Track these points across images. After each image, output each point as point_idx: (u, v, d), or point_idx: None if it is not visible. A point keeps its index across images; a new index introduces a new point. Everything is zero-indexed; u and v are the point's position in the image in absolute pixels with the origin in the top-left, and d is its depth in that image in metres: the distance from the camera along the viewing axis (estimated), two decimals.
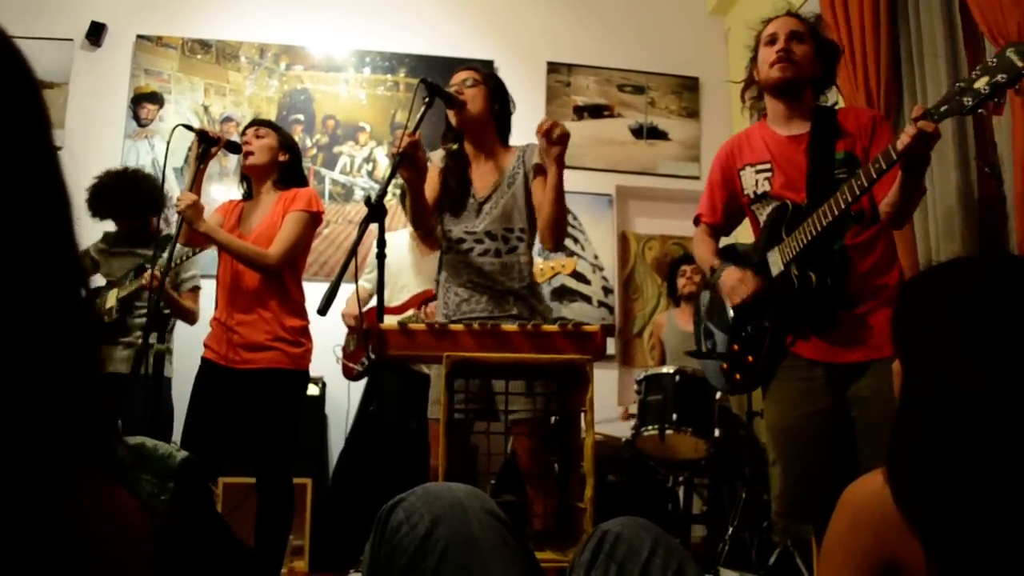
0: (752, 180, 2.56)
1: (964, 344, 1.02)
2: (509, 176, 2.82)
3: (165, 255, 3.71)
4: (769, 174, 2.51)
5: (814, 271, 2.31)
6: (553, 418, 2.55)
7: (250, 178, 3.28)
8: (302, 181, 3.30)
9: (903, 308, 1.15)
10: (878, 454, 2.10)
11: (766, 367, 2.46)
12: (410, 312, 3.94)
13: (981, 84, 1.90)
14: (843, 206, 2.20)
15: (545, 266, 4.08)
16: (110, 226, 4.06)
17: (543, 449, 2.64)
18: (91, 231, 4.11)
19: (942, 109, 1.98)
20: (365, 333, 4.04)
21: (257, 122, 3.30)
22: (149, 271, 3.59)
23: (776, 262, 2.42)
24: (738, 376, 2.56)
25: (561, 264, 4.29)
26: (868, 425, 2.29)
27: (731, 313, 2.61)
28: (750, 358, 2.49)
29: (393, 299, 3.97)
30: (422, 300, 3.94)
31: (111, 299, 3.77)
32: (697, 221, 2.80)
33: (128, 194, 3.86)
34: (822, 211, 2.25)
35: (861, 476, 1.09)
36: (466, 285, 2.78)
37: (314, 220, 3.16)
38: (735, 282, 2.51)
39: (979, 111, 1.95)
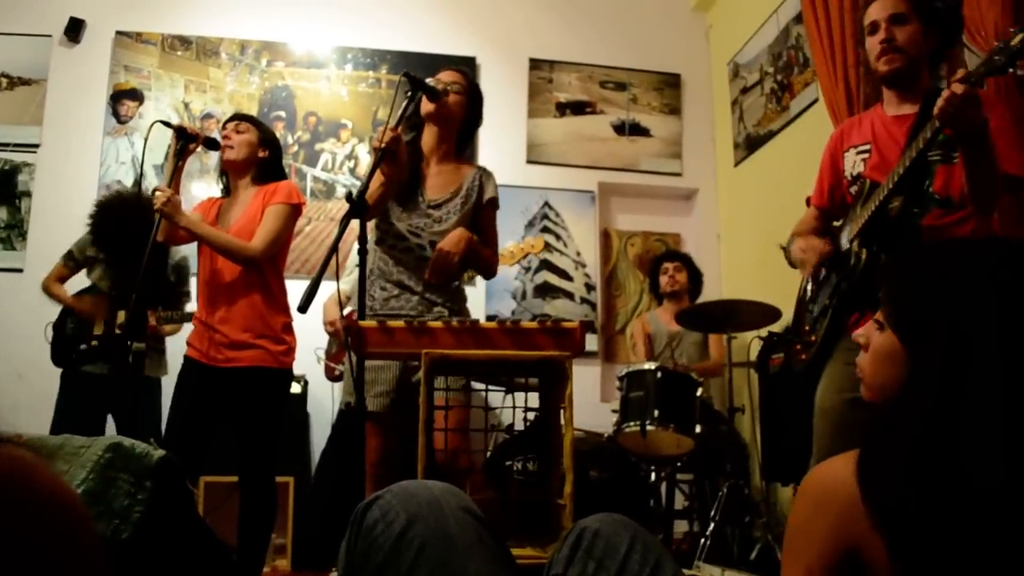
0: (852, 162, 2.46)
1: (973, 330, 0.98)
2: (464, 193, 2.88)
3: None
4: (867, 155, 2.42)
5: (876, 247, 2.21)
6: (531, 414, 2.55)
7: (228, 174, 3.24)
8: (282, 177, 3.26)
9: (916, 281, 1.09)
10: None
11: (824, 346, 2.38)
12: None
13: (1016, 41, 1.85)
14: (896, 179, 2.13)
15: (515, 248, 4.08)
16: None
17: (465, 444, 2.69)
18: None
19: (980, 70, 1.93)
20: (345, 333, 4.03)
21: (238, 116, 3.25)
22: (152, 317, 3.64)
23: (845, 238, 2.35)
24: (804, 356, 2.49)
25: (530, 244, 4.28)
26: None
27: (808, 287, 2.54)
28: (813, 337, 2.42)
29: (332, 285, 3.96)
30: None
31: (121, 318, 3.77)
32: (808, 203, 2.71)
33: (124, 228, 3.85)
34: (884, 184, 2.19)
35: (821, 462, 1.08)
36: (398, 283, 2.79)
37: (295, 212, 3.12)
38: (804, 247, 2.46)
39: (1012, 68, 1.88)
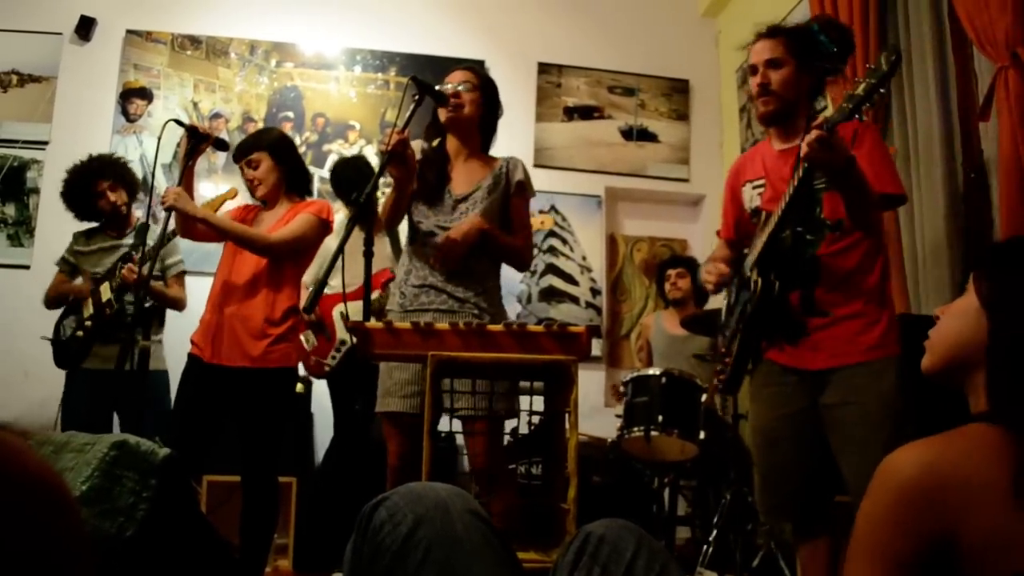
0: (749, 196, 2.62)
1: None
2: (491, 183, 2.83)
3: (151, 243, 3.72)
4: (762, 189, 2.57)
5: (768, 275, 2.35)
6: (536, 418, 2.54)
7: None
8: (307, 179, 3.30)
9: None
10: (853, 454, 2.22)
11: (737, 368, 2.52)
12: (376, 294, 3.85)
13: (859, 90, 2.00)
14: (779, 213, 2.27)
15: None
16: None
17: (494, 449, 2.64)
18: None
19: (836, 118, 2.08)
20: (319, 324, 3.97)
21: (241, 151, 3.22)
22: (124, 266, 3.59)
23: (746, 268, 2.49)
24: (721, 377, 2.61)
25: (539, 222, 4.22)
26: (838, 430, 2.34)
27: (723, 318, 2.66)
28: (728, 360, 2.55)
29: (338, 284, 3.86)
30: (382, 281, 3.86)
31: (105, 292, 3.74)
32: (719, 235, 2.87)
33: (97, 182, 3.85)
34: (772, 218, 2.32)
35: (899, 448, 1.06)
36: (427, 282, 2.76)
37: (322, 227, 3.12)
38: (705, 274, 2.61)
39: (857, 115, 2.04)
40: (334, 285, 3.94)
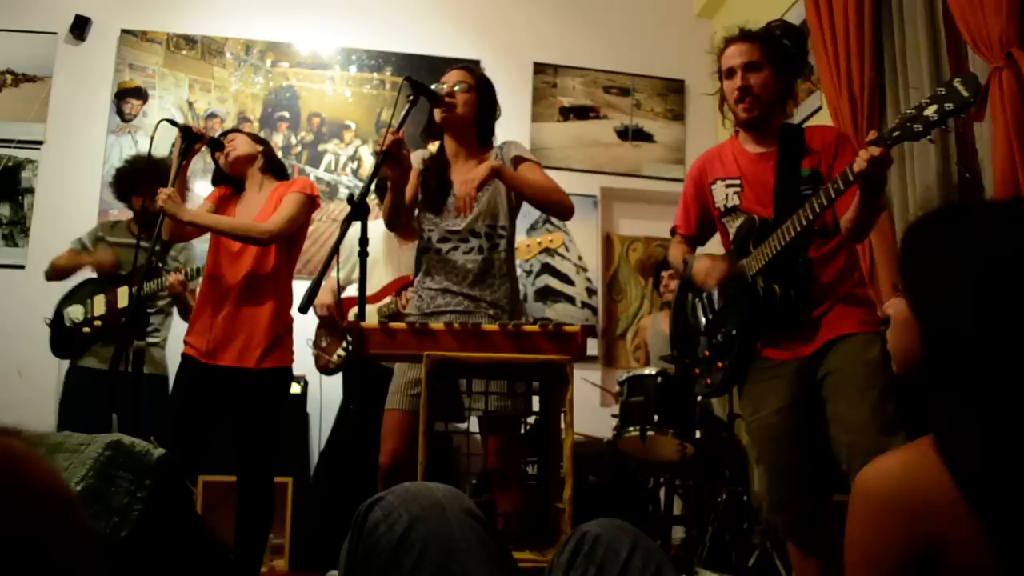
0: (723, 194, 2.63)
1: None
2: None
3: (176, 254, 3.85)
4: (738, 189, 2.58)
5: (779, 283, 2.41)
6: (533, 418, 2.54)
7: (234, 178, 3.24)
8: (285, 171, 3.32)
9: (920, 251, 1.09)
10: (844, 411, 2.23)
11: (736, 372, 2.55)
12: (387, 299, 3.88)
13: (930, 112, 1.99)
14: (805, 223, 2.27)
15: (532, 242, 4.01)
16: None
17: (511, 448, 2.63)
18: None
19: (895, 135, 2.06)
20: (333, 323, 3.99)
21: (225, 133, 3.31)
22: (171, 275, 3.58)
23: (747, 272, 2.50)
24: (708, 381, 2.64)
25: (548, 239, 4.23)
26: (831, 393, 2.36)
27: (702, 320, 2.68)
28: (720, 364, 2.58)
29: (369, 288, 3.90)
30: (399, 287, 3.88)
31: (123, 297, 3.73)
32: (673, 232, 2.87)
33: (155, 177, 3.79)
34: (786, 227, 2.33)
35: (871, 463, 1.05)
36: (443, 286, 2.75)
37: (310, 203, 3.12)
38: (708, 267, 2.55)
39: (928, 137, 2.04)
40: (344, 276, 3.96)
